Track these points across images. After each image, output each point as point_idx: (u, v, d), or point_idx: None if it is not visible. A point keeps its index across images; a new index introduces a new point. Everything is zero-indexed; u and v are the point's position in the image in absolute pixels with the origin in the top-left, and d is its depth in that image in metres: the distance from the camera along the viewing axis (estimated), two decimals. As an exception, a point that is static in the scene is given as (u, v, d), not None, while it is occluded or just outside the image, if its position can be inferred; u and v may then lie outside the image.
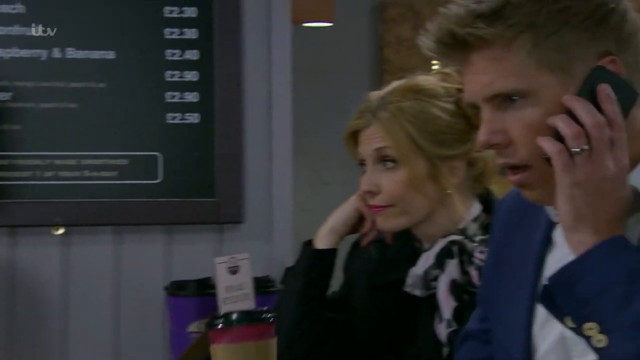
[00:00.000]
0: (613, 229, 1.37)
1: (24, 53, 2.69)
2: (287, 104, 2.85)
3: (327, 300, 2.27)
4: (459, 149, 2.12)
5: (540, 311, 1.50)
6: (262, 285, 2.50)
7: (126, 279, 2.75)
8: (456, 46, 1.44)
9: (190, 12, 2.73)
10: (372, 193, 2.14)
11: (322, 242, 2.21)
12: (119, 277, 2.75)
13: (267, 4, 2.82)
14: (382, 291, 2.23)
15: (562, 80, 1.40)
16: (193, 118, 2.72)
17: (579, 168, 1.37)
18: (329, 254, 2.21)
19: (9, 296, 2.71)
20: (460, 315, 2.07)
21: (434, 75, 2.17)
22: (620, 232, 1.38)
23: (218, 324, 1.77)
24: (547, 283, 1.38)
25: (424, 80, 2.15)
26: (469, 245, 2.09)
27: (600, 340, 1.33)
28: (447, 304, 2.08)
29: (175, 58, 2.72)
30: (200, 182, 2.72)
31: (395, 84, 2.18)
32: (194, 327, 2.50)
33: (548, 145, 1.38)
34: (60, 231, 2.71)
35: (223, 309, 1.76)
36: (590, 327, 1.33)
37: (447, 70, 2.16)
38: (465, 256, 2.09)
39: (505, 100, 1.43)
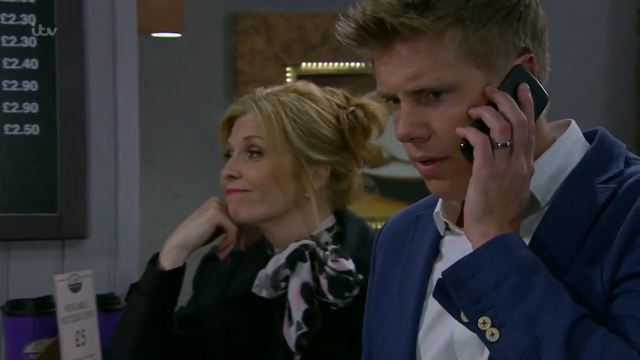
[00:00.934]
0: (514, 226, 1.40)
1: None
2: (134, 115, 2.78)
3: (175, 317, 2.25)
4: (328, 157, 2.16)
5: (427, 318, 1.51)
6: (106, 303, 2.44)
7: (-40, 299, 2.63)
8: (380, 34, 1.41)
9: (29, 19, 2.63)
10: (233, 177, 2.16)
11: (169, 258, 2.18)
12: (-47, 297, 2.63)
13: (111, 11, 2.74)
14: (235, 303, 2.22)
15: (486, 74, 1.42)
16: (32, 129, 2.62)
17: (499, 162, 1.38)
18: (177, 273, 2.18)
19: None
20: (310, 318, 2.10)
21: (322, 88, 2.22)
22: (517, 231, 1.40)
23: None
24: (441, 277, 1.38)
25: (313, 87, 2.21)
26: (322, 253, 2.12)
27: (494, 334, 1.33)
28: (297, 306, 2.10)
29: (13, 67, 2.62)
30: (40, 196, 2.61)
31: (286, 84, 2.25)
32: (31, 348, 2.41)
33: (472, 135, 1.39)
34: None
35: (62, 328, 1.69)
36: (484, 321, 1.34)
37: (333, 89, 2.22)
38: (316, 262, 2.11)
39: (428, 94, 1.42)
